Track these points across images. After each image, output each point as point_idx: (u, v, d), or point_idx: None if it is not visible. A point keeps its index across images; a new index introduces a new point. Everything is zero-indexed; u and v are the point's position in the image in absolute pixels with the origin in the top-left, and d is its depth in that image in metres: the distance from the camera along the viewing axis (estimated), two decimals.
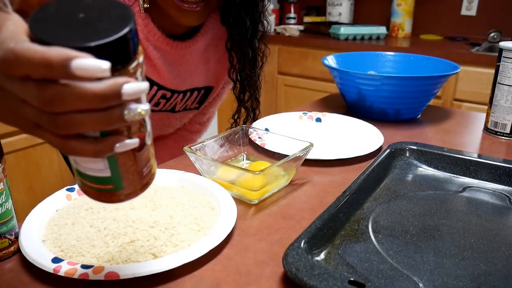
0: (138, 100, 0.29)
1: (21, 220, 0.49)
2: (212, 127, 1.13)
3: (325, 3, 2.60)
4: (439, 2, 2.34)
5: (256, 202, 0.58)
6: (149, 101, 0.84)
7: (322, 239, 0.47)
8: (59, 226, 0.49)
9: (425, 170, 0.68)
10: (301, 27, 2.51)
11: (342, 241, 0.49)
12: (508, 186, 0.62)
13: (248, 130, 0.72)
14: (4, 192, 0.44)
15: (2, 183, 0.44)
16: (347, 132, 0.83)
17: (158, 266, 0.41)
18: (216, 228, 0.48)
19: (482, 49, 1.95)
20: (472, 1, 2.25)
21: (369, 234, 0.50)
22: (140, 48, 0.30)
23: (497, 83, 0.83)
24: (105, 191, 0.33)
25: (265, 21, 0.82)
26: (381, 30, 2.24)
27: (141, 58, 0.30)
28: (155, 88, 0.82)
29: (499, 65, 0.82)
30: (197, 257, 0.43)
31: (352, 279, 0.38)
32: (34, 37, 0.27)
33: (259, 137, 0.72)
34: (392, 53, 1.08)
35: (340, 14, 2.50)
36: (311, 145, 0.62)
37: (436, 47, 2.01)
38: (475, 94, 1.81)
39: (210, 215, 0.52)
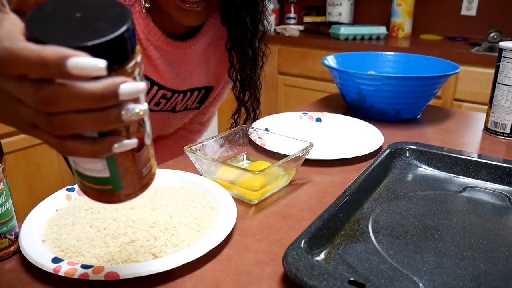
0: (136, 100, 0.29)
1: (21, 220, 0.49)
2: (212, 127, 1.13)
3: (325, 3, 2.60)
4: (439, 2, 2.34)
5: (256, 202, 0.58)
6: (150, 101, 0.84)
7: (322, 239, 0.47)
8: (59, 226, 0.49)
9: (425, 170, 0.68)
10: (301, 27, 2.51)
11: (342, 241, 0.49)
12: (508, 186, 0.62)
13: (248, 130, 0.72)
14: (4, 192, 0.44)
15: (2, 183, 0.44)
16: (347, 132, 0.83)
17: (158, 266, 0.41)
18: (216, 228, 0.48)
19: (482, 49, 1.96)
20: (472, 1, 2.25)
21: (369, 234, 0.50)
22: (138, 47, 0.30)
23: (497, 83, 0.83)
24: (105, 191, 0.33)
25: (265, 21, 0.82)
26: (381, 30, 2.24)
27: (139, 58, 0.30)
28: (155, 88, 0.82)
29: (499, 65, 0.82)
30: (197, 257, 0.43)
31: (352, 279, 0.38)
32: (31, 37, 0.27)
33: (259, 137, 0.72)
34: (392, 53, 1.08)
35: (340, 14, 2.50)
36: (311, 145, 0.62)
37: (436, 47, 2.01)
38: (475, 94, 1.81)
39: (210, 215, 0.52)
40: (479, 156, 0.66)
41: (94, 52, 0.27)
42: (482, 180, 0.64)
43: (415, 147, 0.70)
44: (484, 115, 0.91)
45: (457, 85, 1.85)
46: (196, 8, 0.69)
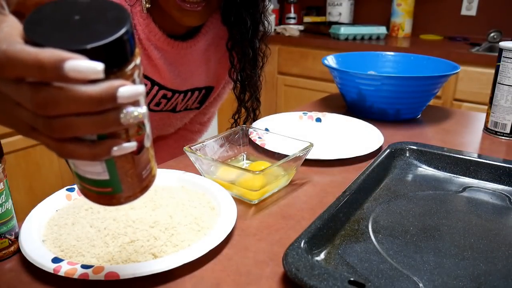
0: (135, 103, 0.29)
1: (21, 220, 0.49)
2: (212, 127, 1.13)
3: (325, 3, 2.60)
4: (439, 2, 2.34)
5: (256, 202, 0.58)
6: (150, 101, 0.84)
7: (322, 239, 0.47)
8: (59, 226, 0.49)
9: (425, 170, 0.68)
10: (301, 27, 2.51)
11: (342, 241, 0.49)
12: (508, 186, 0.62)
13: (248, 130, 0.72)
14: (4, 192, 0.44)
15: (2, 183, 0.44)
16: (347, 132, 0.83)
17: (158, 266, 0.41)
18: (216, 228, 0.48)
19: (482, 49, 1.96)
20: (472, 1, 2.25)
21: (369, 234, 0.50)
22: (137, 50, 0.30)
23: (497, 83, 0.83)
24: (104, 194, 0.33)
25: (265, 22, 0.82)
26: (381, 30, 2.24)
27: (138, 60, 0.30)
28: (156, 88, 0.82)
29: (499, 65, 0.82)
30: (197, 257, 0.43)
31: (352, 279, 0.38)
32: (29, 39, 0.27)
33: (259, 137, 0.72)
34: (392, 53, 1.08)
35: (340, 14, 2.50)
36: (311, 145, 0.62)
37: (436, 47, 2.01)
38: (475, 94, 1.81)
39: (210, 215, 0.52)
40: (479, 156, 0.66)
41: (93, 55, 0.26)
42: (482, 180, 0.64)
43: (415, 147, 0.70)
44: (484, 115, 0.91)
45: (457, 85, 1.85)
46: (196, 8, 0.69)
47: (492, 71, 0.87)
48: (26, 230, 0.46)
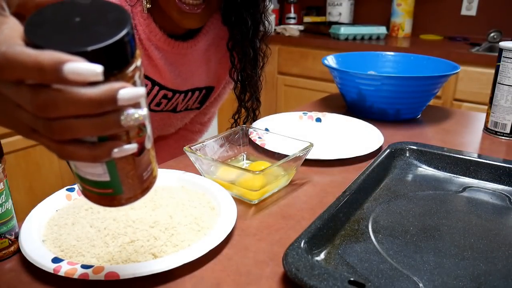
0: (136, 105, 0.29)
1: (21, 220, 0.49)
2: (212, 127, 1.13)
3: (325, 3, 2.60)
4: (439, 2, 2.34)
5: (256, 202, 0.58)
6: (151, 101, 0.84)
7: (322, 239, 0.47)
8: (59, 226, 0.49)
9: (425, 170, 0.68)
10: (301, 27, 2.51)
11: (342, 241, 0.49)
12: (508, 186, 0.62)
13: (248, 130, 0.72)
14: (4, 192, 0.44)
15: (2, 183, 0.44)
16: (347, 132, 0.83)
17: (158, 266, 0.41)
18: (216, 228, 0.48)
19: (482, 49, 1.95)
20: (472, 1, 2.25)
21: (369, 234, 0.50)
22: (138, 51, 0.30)
23: (497, 83, 0.83)
24: (105, 195, 0.33)
25: (266, 22, 0.82)
26: (381, 30, 2.24)
27: (139, 62, 0.30)
28: (156, 88, 0.82)
29: (499, 65, 0.82)
30: (197, 257, 0.43)
31: (352, 279, 0.38)
32: (29, 42, 0.27)
33: (259, 137, 0.72)
34: (392, 53, 1.08)
35: (340, 14, 2.50)
36: (311, 145, 0.62)
37: (436, 47, 2.01)
38: (475, 94, 1.81)
39: (210, 215, 0.52)
40: (479, 156, 0.66)
41: (94, 57, 0.26)
42: (482, 180, 0.64)
43: (415, 147, 0.70)
44: (484, 115, 0.91)
45: (457, 85, 1.85)
46: (196, 11, 0.69)
47: (492, 71, 0.87)
48: (26, 230, 0.46)
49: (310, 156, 0.67)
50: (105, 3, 0.30)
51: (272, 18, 2.54)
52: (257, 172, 0.54)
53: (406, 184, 0.63)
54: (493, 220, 0.54)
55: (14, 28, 0.28)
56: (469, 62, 1.79)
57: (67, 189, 0.56)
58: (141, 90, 0.28)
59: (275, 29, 2.44)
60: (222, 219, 0.50)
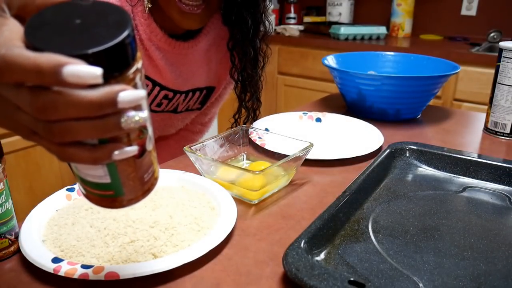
0: (137, 107, 0.29)
1: (21, 220, 0.49)
2: (213, 127, 1.13)
3: (325, 3, 2.60)
4: (439, 2, 2.34)
5: (256, 202, 0.58)
6: (152, 101, 0.84)
7: (322, 239, 0.47)
8: (59, 226, 0.49)
9: (425, 170, 0.68)
10: (301, 27, 2.51)
11: (342, 241, 0.49)
12: (508, 186, 0.62)
13: (248, 130, 0.72)
14: (4, 192, 0.44)
15: (2, 183, 0.44)
16: (347, 132, 0.83)
17: (158, 266, 0.41)
18: (216, 228, 0.48)
19: (482, 49, 1.95)
20: (472, 1, 2.25)
21: (369, 234, 0.50)
22: (138, 53, 0.30)
23: (497, 83, 0.83)
24: (106, 197, 0.33)
25: (266, 21, 0.82)
26: (381, 30, 2.24)
27: (140, 64, 0.30)
28: (157, 88, 0.82)
29: (499, 65, 0.82)
30: (197, 257, 0.43)
31: (352, 279, 0.38)
32: (29, 44, 0.27)
33: (259, 137, 0.72)
34: (392, 53, 1.08)
35: (340, 14, 2.50)
36: (311, 145, 0.62)
37: (436, 47, 2.01)
38: (475, 94, 1.81)
39: (210, 215, 0.52)
40: (479, 156, 0.66)
41: (94, 59, 0.26)
42: (482, 180, 0.64)
43: (415, 147, 0.70)
44: (484, 115, 0.91)
45: (457, 85, 1.85)
46: (196, 11, 0.69)
47: (492, 71, 0.87)
48: (26, 230, 0.46)
49: (310, 156, 0.67)
50: (106, 5, 0.30)
51: (272, 18, 2.54)
52: (257, 172, 0.54)
53: (406, 184, 0.63)
54: (493, 220, 0.54)
55: (14, 30, 0.28)
56: (469, 62, 1.79)
57: (67, 189, 0.56)
58: (141, 93, 0.28)
59: (275, 29, 2.44)
60: (222, 219, 0.50)
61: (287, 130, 0.83)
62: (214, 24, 0.82)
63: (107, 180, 0.31)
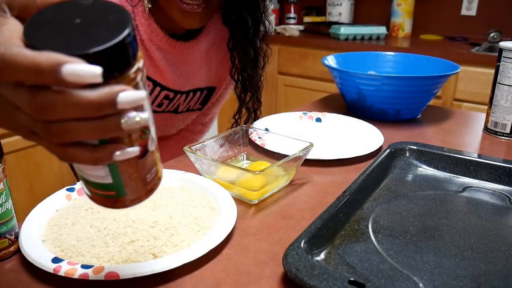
0: (138, 108, 0.28)
1: (21, 220, 0.49)
2: (213, 127, 1.13)
3: (325, 3, 2.60)
4: (439, 2, 2.34)
5: (256, 202, 0.58)
6: (152, 102, 0.84)
7: (322, 239, 0.47)
8: (59, 226, 0.49)
9: (425, 170, 0.68)
10: (301, 27, 2.51)
11: (342, 241, 0.49)
12: (508, 186, 0.62)
13: (248, 130, 0.72)
14: (4, 192, 0.44)
15: (2, 183, 0.44)
16: (347, 132, 0.83)
17: (158, 266, 0.41)
18: (216, 228, 0.48)
19: (482, 49, 1.95)
20: (472, 1, 2.25)
21: (369, 234, 0.50)
22: (139, 53, 0.29)
23: (497, 83, 0.83)
24: (109, 197, 0.33)
25: (266, 21, 0.82)
26: (381, 30, 2.24)
27: (141, 63, 0.29)
28: (158, 88, 0.82)
29: (499, 65, 0.82)
30: (197, 257, 0.43)
31: (352, 279, 0.38)
32: (28, 43, 0.27)
33: (259, 137, 0.72)
34: (392, 53, 1.08)
35: (340, 14, 2.50)
36: (311, 145, 0.62)
37: (436, 47, 2.01)
38: (475, 94, 1.81)
39: (210, 215, 0.52)
40: (479, 156, 0.66)
41: (94, 59, 0.26)
42: (482, 180, 0.64)
43: (415, 147, 0.70)
44: (484, 115, 0.91)
45: (457, 85, 1.85)
46: (196, 10, 0.69)
47: (492, 71, 0.87)
48: (26, 230, 0.46)
49: (310, 156, 0.67)
50: (106, 4, 0.29)
51: (272, 18, 2.54)
52: (257, 172, 0.54)
53: (406, 184, 0.63)
54: (493, 220, 0.54)
55: (14, 29, 0.28)
56: (469, 62, 1.79)
57: (67, 189, 0.56)
58: (141, 94, 0.28)
59: (275, 29, 2.44)
60: (222, 219, 0.50)
61: (287, 130, 0.83)
62: (214, 24, 0.82)
63: (109, 180, 0.31)
